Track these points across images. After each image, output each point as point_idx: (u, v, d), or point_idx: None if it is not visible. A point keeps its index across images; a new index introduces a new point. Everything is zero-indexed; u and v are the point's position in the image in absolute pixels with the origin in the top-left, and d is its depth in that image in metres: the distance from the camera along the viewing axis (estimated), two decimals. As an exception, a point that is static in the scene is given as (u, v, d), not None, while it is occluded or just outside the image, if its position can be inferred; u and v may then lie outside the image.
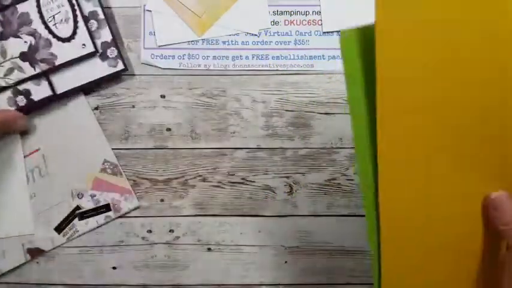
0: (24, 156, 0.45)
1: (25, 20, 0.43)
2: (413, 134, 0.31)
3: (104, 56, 0.44)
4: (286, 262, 0.46)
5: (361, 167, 0.33)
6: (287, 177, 0.46)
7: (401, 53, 0.28)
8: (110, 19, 0.45)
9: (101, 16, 0.44)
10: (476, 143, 0.31)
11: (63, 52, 0.43)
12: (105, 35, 0.44)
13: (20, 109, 0.44)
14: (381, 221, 0.32)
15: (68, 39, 0.43)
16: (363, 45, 0.30)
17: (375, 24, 0.27)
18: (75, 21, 0.43)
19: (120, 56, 0.44)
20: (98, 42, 0.44)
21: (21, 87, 0.43)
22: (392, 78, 0.29)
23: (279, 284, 0.46)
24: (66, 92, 0.44)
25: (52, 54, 0.43)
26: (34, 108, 0.44)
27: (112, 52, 0.44)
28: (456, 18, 0.28)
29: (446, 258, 0.33)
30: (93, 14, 0.44)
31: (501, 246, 0.31)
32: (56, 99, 0.44)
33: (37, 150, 0.45)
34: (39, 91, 0.43)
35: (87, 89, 0.46)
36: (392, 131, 0.30)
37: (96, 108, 0.46)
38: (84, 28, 0.43)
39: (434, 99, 0.30)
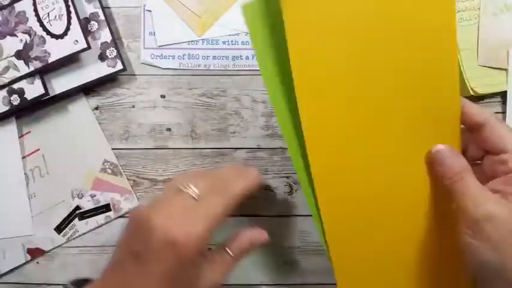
0: (24, 156, 0.45)
1: (22, 18, 0.43)
2: (335, 101, 0.29)
3: (103, 56, 0.44)
4: (286, 262, 0.46)
5: (289, 143, 0.31)
6: (287, 177, 0.46)
7: (310, 20, 0.28)
8: (109, 19, 0.45)
9: (102, 17, 0.44)
10: (405, 104, 0.29)
11: (56, 49, 0.43)
12: (105, 36, 0.44)
13: (14, 109, 0.43)
14: (319, 200, 0.31)
15: (61, 36, 0.43)
16: (269, 15, 0.29)
17: None
18: (69, 18, 0.43)
19: (119, 56, 0.44)
20: (98, 43, 0.44)
21: (15, 86, 0.43)
22: (304, 47, 0.28)
23: (279, 284, 0.46)
24: (65, 92, 0.44)
25: (45, 51, 0.43)
26: (28, 107, 0.44)
27: (111, 52, 0.44)
28: None
29: (394, 227, 0.32)
30: (94, 16, 0.44)
31: (451, 206, 0.29)
32: (52, 99, 0.44)
33: (37, 150, 0.46)
34: (32, 90, 0.43)
35: (87, 89, 0.46)
36: (313, 103, 0.29)
37: (96, 108, 0.46)
38: (77, 24, 0.43)
39: (351, 62, 0.28)
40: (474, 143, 0.31)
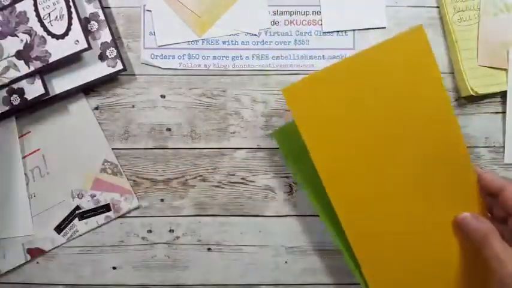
0: (24, 156, 0.45)
1: (22, 18, 0.43)
2: (367, 199, 0.35)
3: (103, 56, 0.44)
4: (286, 262, 0.46)
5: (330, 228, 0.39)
6: (287, 177, 0.46)
7: (323, 133, 0.35)
8: (109, 19, 0.45)
9: (102, 17, 0.44)
10: (425, 180, 0.35)
11: (56, 49, 0.43)
12: (105, 36, 0.44)
13: (14, 109, 0.43)
14: (363, 271, 0.36)
15: (61, 36, 0.43)
16: (292, 136, 0.37)
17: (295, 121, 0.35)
18: (70, 18, 0.43)
19: (119, 56, 0.44)
20: (98, 43, 0.44)
21: (15, 86, 0.43)
22: (326, 159, 0.35)
23: (279, 284, 0.46)
24: (65, 92, 0.44)
25: (46, 51, 0.43)
26: (28, 107, 0.44)
27: (111, 52, 0.44)
28: (357, 95, 0.35)
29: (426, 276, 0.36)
30: (94, 16, 0.44)
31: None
32: (52, 99, 0.44)
33: (37, 150, 0.46)
34: (33, 90, 0.43)
35: (87, 89, 0.46)
36: (340, 189, 0.35)
37: (96, 108, 0.46)
38: (78, 25, 0.43)
39: (371, 159, 0.35)
40: (497, 206, 0.34)
